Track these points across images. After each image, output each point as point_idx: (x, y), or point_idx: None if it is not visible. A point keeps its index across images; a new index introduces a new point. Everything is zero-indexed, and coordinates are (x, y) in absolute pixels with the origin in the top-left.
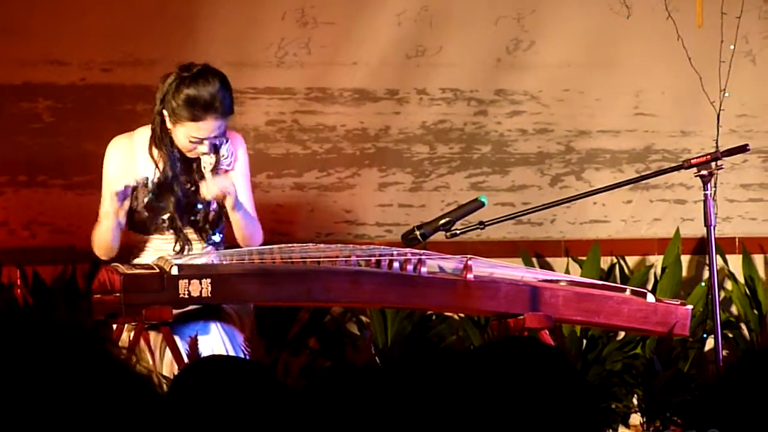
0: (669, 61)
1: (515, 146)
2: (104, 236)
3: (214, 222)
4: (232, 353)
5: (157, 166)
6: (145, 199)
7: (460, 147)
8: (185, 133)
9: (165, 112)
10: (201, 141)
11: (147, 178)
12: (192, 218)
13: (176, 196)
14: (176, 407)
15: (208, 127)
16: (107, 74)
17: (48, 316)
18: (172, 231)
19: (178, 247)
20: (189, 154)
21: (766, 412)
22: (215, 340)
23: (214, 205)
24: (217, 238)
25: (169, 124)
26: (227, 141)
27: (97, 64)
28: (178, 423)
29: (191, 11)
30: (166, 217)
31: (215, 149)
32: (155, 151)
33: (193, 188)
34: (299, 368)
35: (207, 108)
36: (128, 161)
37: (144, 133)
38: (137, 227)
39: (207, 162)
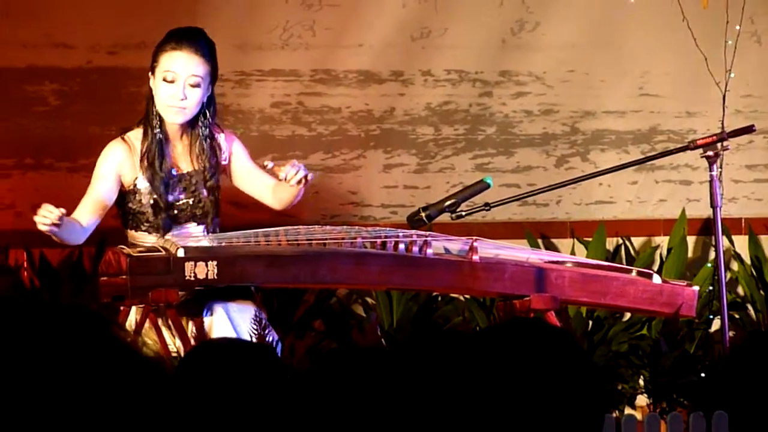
0: (674, 42)
1: (520, 127)
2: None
3: (202, 215)
4: (240, 335)
5: (144, 153)
6: (151, 200)
7: (465, 128)
8: (161, 72)
9: (150, 75)
10: (174, 80)
11: (145, 173)
12: (181, 206)
13: (162, 177)
14: (182, 390)
15: (183, 59)
16: (113, 57)
17: (53, 299)
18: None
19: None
20: (168, 115)
21: None
22: (222, 322)
23: (204, 199)
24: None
25: (152, 87)
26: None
27: (103, 47)
28: (185, 405)
29: None
30: (152, 199)
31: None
32: (143, 138)
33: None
34: (305, 350)
35: (185, 37)
36: (128, 162)
37: (136, 133)
38: (136, 224)
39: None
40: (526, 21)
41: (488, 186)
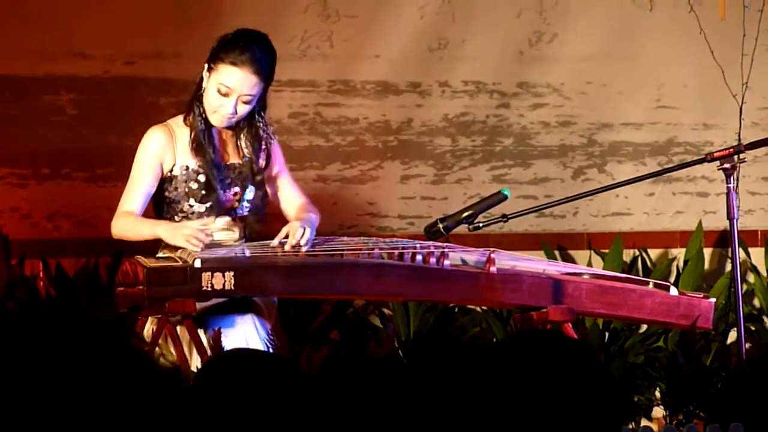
0: (691, 55)
1: (538, 139)
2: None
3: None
4: (257, 346)
5: (192, 135)
6: (187, 187)
7: (483, 139)
8: (216, 81)
9: (205, 67)
10: (228, 94)
11: (188, 167)
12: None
13: (210, 162)
14: (199, 401)
15: (242, 78)
16: (130, 67)
17: (73, 309)
18: (205, 200)
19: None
20: (213, 119)
21: None
22: (239, 334)
23: (252, 194)
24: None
25: (204, 80)
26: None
27: (121, 57)
28: (201, 416)
29: (214, 4)
30: (202, 180)
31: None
32: (189, 119)
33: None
34: (321, 361)
35: (248, 50)
36: (167, 147)
37: (178, 120)
38: (171, 214)
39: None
40: (544, 32)
41: (505, 197)
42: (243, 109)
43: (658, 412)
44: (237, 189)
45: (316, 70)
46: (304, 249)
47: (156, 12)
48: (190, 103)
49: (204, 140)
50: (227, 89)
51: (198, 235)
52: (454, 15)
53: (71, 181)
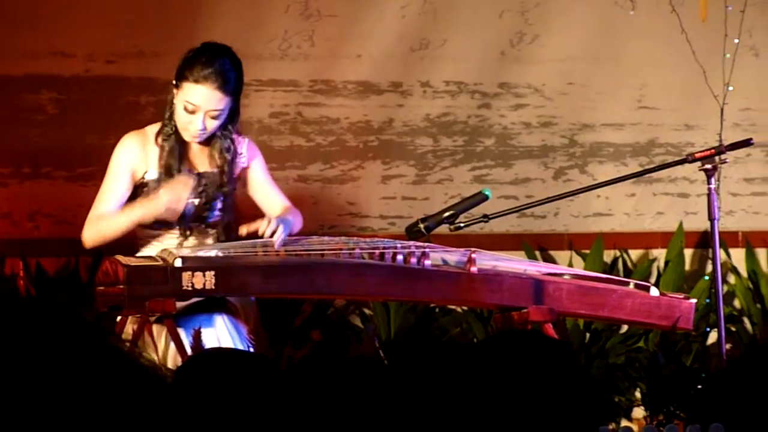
0: (673, 55)
1: (519, 139)
2: (111, 222)
3: (219, 218)
4: (236, 345)
5: (161, 154)
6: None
7: (464, 140)
8: (182, 99)
9: (173, 85)
10: (195, 111)
11: (159, 174)
12: (196, 207)
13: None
14: (179, 399)
15: (205, 94)
16: (111, 66)
17: (50, 308)
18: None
19: (181, 238)
20: (184, 135)
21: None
22: (220, 333)
23: (220, 203)
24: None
25: (174, 99)
26: (238, 149)
27: (101, 55)
28: (182, 415)
29: (195, 3)
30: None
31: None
32: (160, 138)
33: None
34: (300, 360)
35: (210, 65)
36: (141, 155)
37: (155, 128)
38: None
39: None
40: (526, 33)
41: (487, 198)
42: (212, 124)
43: (639, 412)
44: (206, 197)
45: (298, 70)
46: (277, 244)
47: (137, 11)
48: (165, 117)
49: (174, 160)
50: (193, 106)
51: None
52: (435, 15)
53: (52, 180)
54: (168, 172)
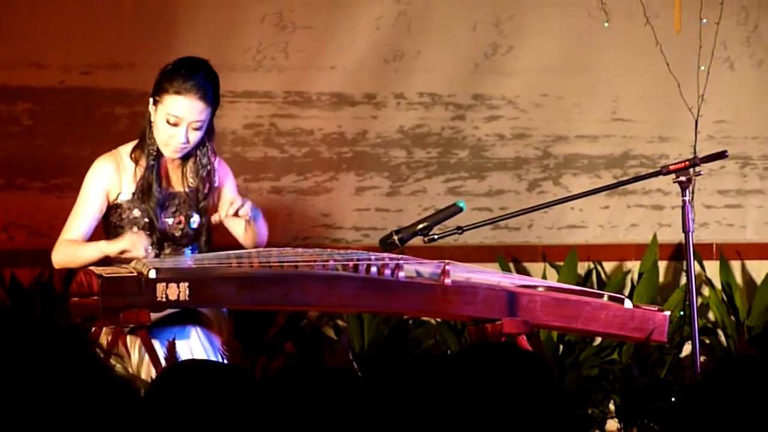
0: (647, 67)
1: (493, 151)
2: (77, 252)
3: (194, 237)
4: (210, 357)
5: (137, 169)
6: (131, 215)
7: (438, 151)
8: (164, 112)
9: (151, 101)
10: (177, 123)
11: (133, 194)
12: (171, 226)
13: (155, 200)
14: (155, 411)
15: (188, 105)
16: (86, 77)
17: (29, 316)
18: (148, 228)
19: (153, 254)
20: (166, 151)
21: (742, 421)
22: (194, 344)
23: (196, 222)
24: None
25: (151, 114)
26: (214, 163)
27: (76, 66)
28: (157, 426)
29: (170, 15)
30: (145, 221)
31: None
32: (140, 156)
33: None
34: (274, 372)
35: (191, 78)
36: (114, 178)
37: (127, 148)
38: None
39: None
40: (500, 45)
41: (461, 209)
42: (194, 136)
43: (612, 424)
44: (181, 217)
45: (272, 81)
46: (248, 209)
47: (112, 23)
48: (140, 140)
49: (152, 178)
50: (176, 118)
51: (140, 240)
52: (409, 27)
53: (26, 191)
54: (146, 190)
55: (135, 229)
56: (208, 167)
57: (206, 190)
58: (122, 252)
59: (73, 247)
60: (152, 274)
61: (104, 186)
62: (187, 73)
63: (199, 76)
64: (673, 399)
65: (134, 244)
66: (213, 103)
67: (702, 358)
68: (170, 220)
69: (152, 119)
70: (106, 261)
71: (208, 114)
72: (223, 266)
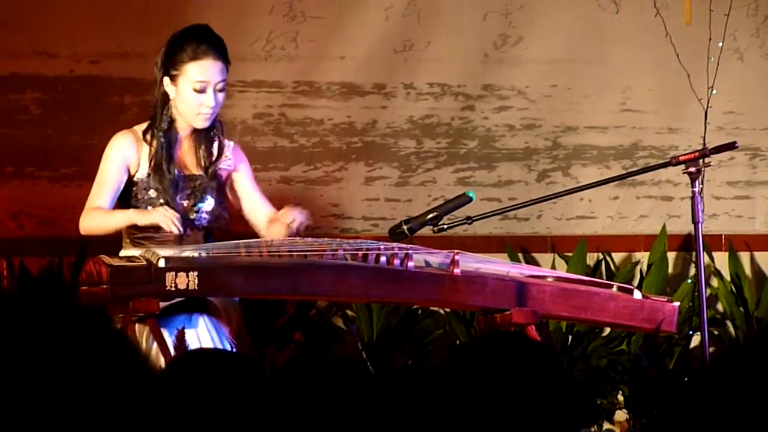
0: (657, 58)
1: (502, 141)
2: (105, 220)
3: (212, 221)
4: (218, 346)
5: (150, 150)
6: (146, 195)
7: (447, 142)
8: (188, 82)
9: (166, 80)
10: (204, 89)
11: (148, 174)
12: (185, 208)
13: (170, 179)
14: (164, 399)
15: (210, 67)
16: (95, 66)
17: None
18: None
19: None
20: (197, 121)
21: (749, 410)
22: (201, 333)
23: (211, 205)
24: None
25: (170, 92)
26: (225, 151)
27: (86, 56)
28: (167, 416)
29: (180, 4)
30: (160, 202)
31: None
32: (149, 135)
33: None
34: (285, 361)
35: (205, 41)
36: (134, 152)
37: (143, 127)
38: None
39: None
40: (509, 35)
41: (470, 200)
42: (220, 98)
43: (621, 415)
44: (194, 199)
45: (281, 71)
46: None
47: (121, 11)
48: (153, 119)
49: (164, 159)
50: (201, 83)
51: (173, 217)
52: (419, 17)
53: (35, 180)
54: (158, 170)
55: (150, 209)
56: (219, 149)
57: (216, 163)
58: (157, 229)
59: (101, 214)
60: (161, 263)
61: (124, 157)
62: (198, 38)
63: (210, 38)
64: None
65: (167, 220)
66: (227, 61)
67: (711, 349)
68: (185, 203)
69: (174, 95)
70: (139, 235)
71: (226, 73)
72: (232, 255)
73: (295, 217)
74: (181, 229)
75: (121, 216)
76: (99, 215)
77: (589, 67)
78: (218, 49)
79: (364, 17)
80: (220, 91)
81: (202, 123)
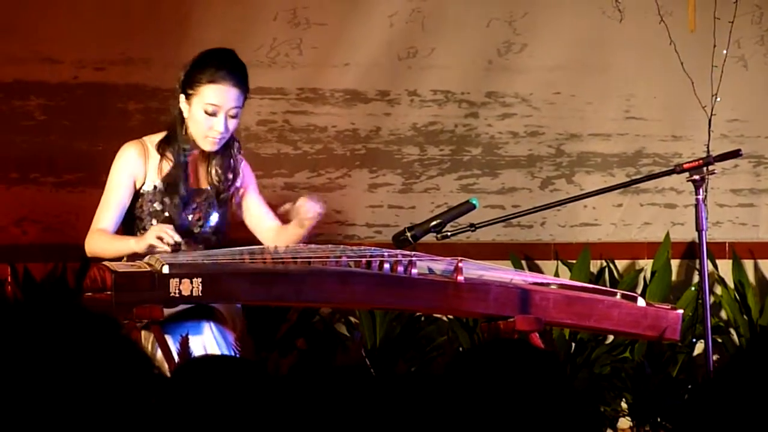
0: (661, 66)
1: (506, 149)
2: (109, 246)
3: (211, 233)
4: (223, 353)
5: (163, 161)
6: (152, 208)
7: (451, 149)
8: (201, 103)
9: (182, 97)
10: (216, 113)
11: (155, 187)
12: (191, 223)
13: (179, 197)
14: (169, 406)
15: (225, 92)
16: (100, 73)
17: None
18: (167, 222)
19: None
20: (204, 144)
21: (754, 417)
22: (207, 340)
23: (215, 220)
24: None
25: (184, 110)
26: (240, 158)
27: (90, 62)
28: (172, 422)
29: (184, 11)
30: (165, 215)
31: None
32: (166, 149)
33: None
34: (288, 369)
35: (225, 66)
36: (140, 165)
37: (154, 138)
38: (133, 230)
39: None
40: (513, 42)
41: (474, 207)
42: (232, 125)
43: (625, 423)
44: (201, 214)
45: (285, 78)
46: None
47: (126, 18)
48: (168, 134)
49: (181, 180)
50: (214, 107)
51: (166, 230)
52: (423, 24)
53: (39, 186)
54: (171, 187)
55: (154, 222)
56: (231, 168)
57: (229, 186)
58: (151, 247)
59: (106, 240)
60: (165, 270)
61: (131, 172)
62: (219, 62)
63: (231, 64)
64: (685, 397)
65: (161, 235)
66: (245, 89)
67: (714, 357)
68: (191, 216)
69: (186, 114)
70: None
71: (242, 100)
72: (236, 262)
73: (313, 208)
74: (178, 237)
75: (123, 245)
76: (103, 241)
77: (593, 75)
78: (237, 76)
79: (368, 24)
80: (233, 117)
81: (209, 146)
